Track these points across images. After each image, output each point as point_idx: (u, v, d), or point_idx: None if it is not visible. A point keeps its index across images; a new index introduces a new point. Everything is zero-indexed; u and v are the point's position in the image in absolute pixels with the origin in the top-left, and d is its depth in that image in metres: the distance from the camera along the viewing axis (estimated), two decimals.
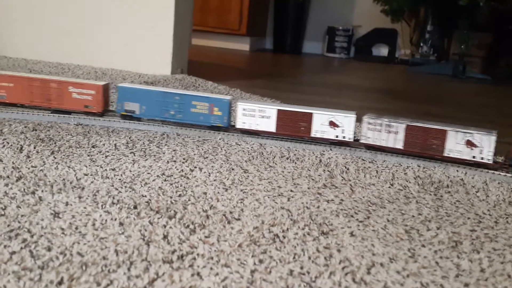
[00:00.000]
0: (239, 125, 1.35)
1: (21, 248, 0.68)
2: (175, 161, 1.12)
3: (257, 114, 1.32)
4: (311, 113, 1.31)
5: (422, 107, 2.28)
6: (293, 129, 1.32)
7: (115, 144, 1.22)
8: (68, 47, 2.46)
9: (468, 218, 0.93)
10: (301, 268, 0.69)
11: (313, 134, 1.31)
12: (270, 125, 1.33)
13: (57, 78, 1.35)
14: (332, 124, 1.29)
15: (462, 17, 3.87)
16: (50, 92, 1.34)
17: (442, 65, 4.01)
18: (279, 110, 1.32)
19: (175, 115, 1.34)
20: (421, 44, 4.21)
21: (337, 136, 1.30)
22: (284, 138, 1.35)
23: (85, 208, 0.83)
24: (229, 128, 1.37)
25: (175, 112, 1.34)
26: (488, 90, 3.24)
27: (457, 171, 1.21)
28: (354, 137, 1.31)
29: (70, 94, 1.34)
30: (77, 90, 1.34)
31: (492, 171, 1.20)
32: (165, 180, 1.00)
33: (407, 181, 1.12)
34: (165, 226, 0.78)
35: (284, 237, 0.79)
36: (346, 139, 1.30)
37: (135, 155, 1.14)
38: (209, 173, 1.06)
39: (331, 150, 1.31)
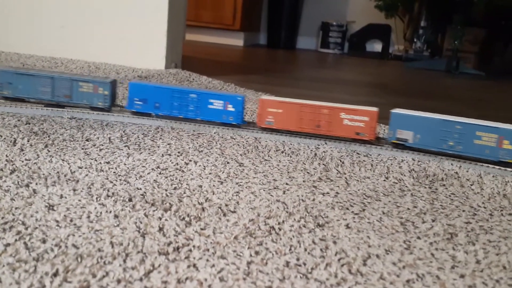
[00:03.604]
0: None
1: (16, 240, 0.68)
2: (170, 155, 1.12)
3: None
4: None
5: (417, 102, 2.29)
6: None
7: (109, 138, 1.21)
8: (61, 41, 2.44)
9: (463, 211, 0.94)
10: (297, 259, 0.69)
11: None
12: None
13: (329, 105, 1.31)
14: None
15: (456, 12, 3.87)
16: (320, 118, 1.30)
17: (435, 61, 4.02)
18: None
19: (454, 146, 1.22)
20: (415, 40, 4.22)
21: None
22: (281, 132, 1.34)
23: (79, 200, 0.83)
24: None
25: (455, 143, 1.22)
26: (482, 85, 3.25)
27: (452, 164, 1.22)
28: None
29: (341, 120, 1.29)
30: (348, 116, 1.29)
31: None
32: (160, 173, 0.99)
33: (402, 175, 1.12)
34: (160, 219, 0.78)
35: (280, 229, 0.78)
36: None
37: (129, 149, 1.14)
38: (204, 166, 1.06)
39: (325, 144, 1.31)
